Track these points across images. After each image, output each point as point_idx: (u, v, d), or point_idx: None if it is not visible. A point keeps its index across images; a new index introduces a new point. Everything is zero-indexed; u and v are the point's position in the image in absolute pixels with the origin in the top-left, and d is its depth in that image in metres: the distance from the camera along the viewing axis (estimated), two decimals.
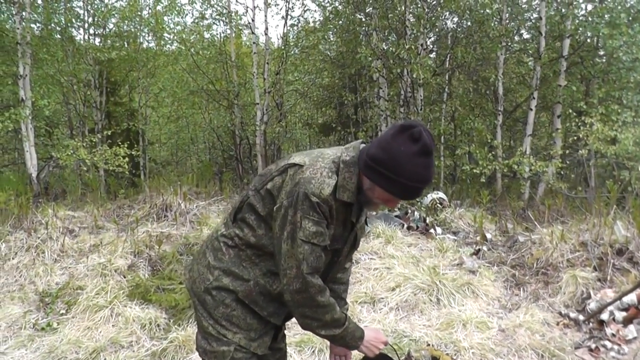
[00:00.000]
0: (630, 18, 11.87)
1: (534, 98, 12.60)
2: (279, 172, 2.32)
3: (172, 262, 7.05)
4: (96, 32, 16.79)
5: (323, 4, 16.33)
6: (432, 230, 8.67)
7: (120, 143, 12.78)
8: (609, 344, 4.91)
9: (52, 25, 14.61)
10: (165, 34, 18.05)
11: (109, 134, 14.91)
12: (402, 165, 2.14)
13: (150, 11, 17.43)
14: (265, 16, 17.04)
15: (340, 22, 15.15)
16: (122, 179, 14.03)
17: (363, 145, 2.38)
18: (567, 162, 11.92)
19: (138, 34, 17.18)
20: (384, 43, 12.17)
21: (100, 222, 8.73)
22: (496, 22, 13.46)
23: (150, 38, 18.20)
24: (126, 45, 16.64)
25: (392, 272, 6.62)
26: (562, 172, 11.94)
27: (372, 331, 2.54)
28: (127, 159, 12.39)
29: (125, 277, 6.56)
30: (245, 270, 2.40)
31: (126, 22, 16.98)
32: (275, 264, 2.34)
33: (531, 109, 12.66)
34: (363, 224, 2.63)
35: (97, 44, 16.42)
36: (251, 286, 2.40)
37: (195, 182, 12.12)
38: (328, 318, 2.31)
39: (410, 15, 13.21)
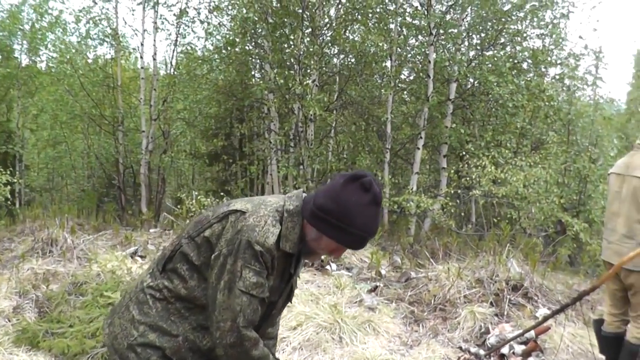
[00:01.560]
0: (512, 67, 12.61)
1: (421, 137, 13.02)
2: (218, 219, 2.19)
3: (60, 303, 6.50)
4: None
5: (214, 33, 16.17)
6: (327, 267, 8.62)
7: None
8: None
9: None
10: (47, 52, 17.21)
11: None
12: (353, 216, 2.08)
13: (32, 26, 16.54)
14: (154, 40, 16.71)
15: (237, 49, 14.96)
16: (1, 209, 13.01)
17: (305, 194, 2.31)
18: (457, 201, 12.35)
19: (17, 49, 16.24)
20: (281, 77, 12.11)
21: None
22: (387, 64, 13.84)
23: (28, 54, 17.26)
24: (9, 61, 15.64)
25: (292, 310, 6.47)
26: (446, 210, 12.34)
27: None
28: (9, 187, 11.51)
29: (10, 321, 5.98)
30: (173, 324, 2.22)
31: (4, 34, 15.99)
32: (207, 317, 2.19)
33: (418, 148, 13.08)
34: (296, 277, 2.52)
35: None
36: (180, 342, 2.22)
37: (76, 213, 11.48)
38: None
39: (303, 51, 13.35)
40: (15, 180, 12.68)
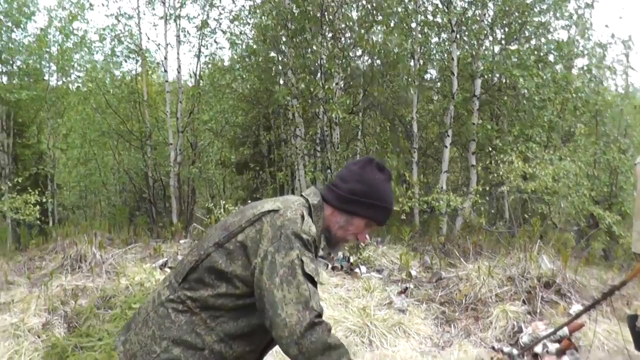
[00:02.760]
0: (537, 60, 12.39)
1: (448, 136, 12.87)
2: (251, 222, 2.15)
3: (89, 318, 6.53)
4: (3, 70, 15.98)
5: (236, 42, 16.24)
6: (357, 270, 8.57)
7: (29, 189, 11.99)
8: None
9: None
10: (75, 72, 17.46)
11: (19, 180, 14.10)
12: (381, 192, 2.30)
13: (58, 48, 16.81)
14: (178, 54, 16.83)
15: (259, 59, 15.06)
16: (32, 228, 13.19)
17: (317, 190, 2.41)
18: (487, 198, 12.18)
19: (45, 71, 16.48)
20: (302, 82, 12.12)
21: (10, 277, 8.12)
22: (408, 62, 13.74)
23: (58, 76, 17.54)
24: (37, 84, 15.88)
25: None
26: (476, 207, 12.18)
27: None
28: (37, 206, 11.64)
29: (40, 337, 6.03)
30: (198, 337, 2.13)
31: (34, 59, 16.27)
32: (265, 324, 2.06)
33: (446, 146, 12.93)
34: None
35: (4, 82, 15.64)
36: (206, 355, 2.13)
37: (107, 228, 11.57)
38: None
39: (325, 54, 13.34)
40: (46, 200, 12.83)
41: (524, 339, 5.55)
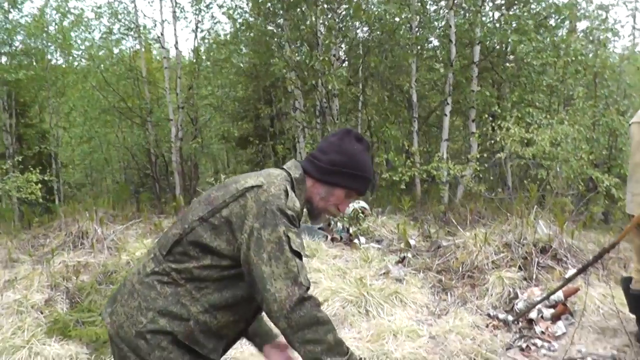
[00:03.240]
0: (537, 25, 12.22)
1: (447, 104, 12.79)
2: (234, 198, 2.15)
3: (91, 293, 6.59)
4: (2, 51, 15.95)
5: (233, 16, 16.12)
6: (356, 240, 8.57)
7: (32, 168, 12.05)
8: (539, 342, 4.92)
9: None
10: (74, 51, 17.42)
11: (20, 159, 14.12)
12: (360, 162, 2.32)
13: (56, 27, 16.75)
14: (175, 29, 16.96)
15: (252, 34, 15.00)
16: (36, 206, 13.26)
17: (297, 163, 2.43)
18: (485, 165, 12.11)
19: (46, 51, 16.44)
20: (297, 54, 12.03)
21: (14, 254, 8.19)
22: (407, 31, 13.59)
23: (58, 55, 17.52)
24: (34, 64, 15.86)
25: (319, 286, 6.44)
26: (479, 175, 12.12)
27: None
28: (39, 185, 11.68)
29: (42, 313, 6.08)
30: (184, 308, 2.16)
31: (33, 39, 16.23)
32: (255, 298, 2.12)
33: (446, 115, 12.86)
34: None
35: (4, 63, 15.62)
36: (191, 325, 2.16)
37: (111, 205, 11.61)
38: (331, 339, 2.06)
39: (322, 26, 13.21)
40: (49, 178, 12.86)
41: (519, 305, 5.54)
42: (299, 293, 2.01)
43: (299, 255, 2.06)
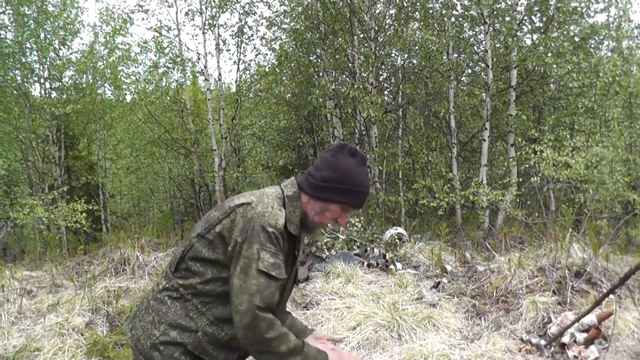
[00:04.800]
0: (575, 46, 12.12)
1: (486, 129, 12.75)
2: (226, 214, 2.31)
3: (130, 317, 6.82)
4: (52, 86, 16.60)
5: (274, 47, 16.47)
6: (392, 266, 8.59)
7: (79, 198, 12.48)
8: None
9: (7, 82, 14.41)
10: (121, 85, 18.00)
11: (66, 189, 14.61)
12: (353, 176, 2.37)
13: (104, 62, 17.35)
14: (218, 62, 17.17)
15: (292, 64, 15.29)
16: (81, 235, 13.68)
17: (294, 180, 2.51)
18: (523, 190, 12.00)
19: (94, 85, 17.03)
20: (333, 83, 12.21)
21: (58, 280, 8.47)
22: (444, 57, 13.66)
23: (108, 89, 18.13)
24: (84, 98, 16.43)
25: (352, 311, 6.50)
26: (519, 200, 12.01)
27: (337, 353, 2.47)
28: (85, 214, 12.07)
29: (83, 335, 6.31)
30: (192, 321, 2.33)
31: (82, 74, 16.86)
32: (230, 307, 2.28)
33: (484, 140, 12.81)
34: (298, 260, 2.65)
35: (54, 98, 16.22)
36: (200, 337, 2.32)
37: (155, 234, 11.90)
38: (284, 349, 2.23)
39: (359, 55, 13.40)
40: (94, 208, 13.24)
41: (552, 329, 5.49)
42: (255, 312, 2.16)
43: (266, 274, 2.18)
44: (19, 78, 15.13)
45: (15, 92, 14.76)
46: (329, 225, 2.53)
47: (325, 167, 2.39)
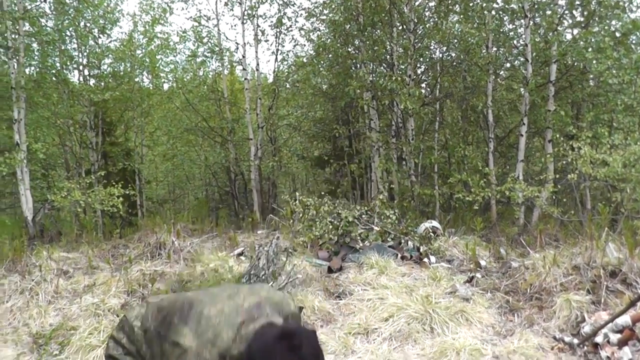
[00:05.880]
0: (616, 42, 11.92)
1: (524, 124, 12.65)
2: (173, 344, 2.15)
3: None
4: (91, 74, 16.95)
5: (312, 38, 16.55)
6: (426, 260, 8.63)
7: (115, 183, 12.76)
8: None
9: (47, 68, 14.73)
10: (159, 73, 18.26)
11: (103, 174, 14.92)
12: None
13: (143, 51, 17.63)
14: (256, 52, 17.29)
15: (330, 55, 15.35)
16: (117, 219, 13.97)
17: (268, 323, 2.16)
18: (559, 186, 11.88)
19: (133, 73, 17.31)
20: (371, 75, 12.23)
21: (94, 262, 8.70)
22: (483, 51, 13.57)
23: (145, 77, 18.42)
24: (122, 85, 16.71)
25: (385, 302, 6.58)
26: (555, 197, 11.90)
27: None
28: (121, 198, 12.33)
29: (118, 316, 6.50)
30: None
31: (120, 62, 17.15)
32: None
33: (522, 135, 12.70)
34: None
35: (93, 85, 16.54)
36: None
37: (190, 220, 12.10)
38: None
39: (398, 47, 13.39)
40: (131, 193, 13.50)
41: (586, 329, 5.49)
42: None
43: None
44: (58, 65, 15.45)
45: (54, 78, 15.05)
46: None
47: (260, 350, 2.01)
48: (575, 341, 5.36)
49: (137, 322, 2.38)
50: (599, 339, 5.22)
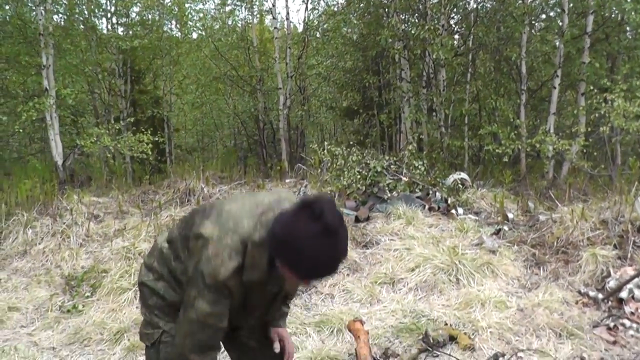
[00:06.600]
0: None
1: (557, 76, 12.42)
2: (195, 237, 2.20)
3: None
4: (119, 21, 16.98)
5: None
6: (453, 211, 8.65)
7: (144, 130, 12.89)
8: (627, 322, 4.89)
9: (75, 15, 14.76)
10: (188, 22, 18.20)
11: (133, 121, 15.07)
12: (302, 247, 1.96)
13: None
14: (286, 0, 17.12)
15: (362, 4, 15.12)
16: (147, 166, 14.17)
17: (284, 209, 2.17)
18: (590, 140, 11.73)
19: (161, 22, 17.29)
20: (403, 24, 12.05)
21: (124, 207, 8.88)
22: (519, 1, 13.28)
23: (174, 26, 18.37)
24: (150, 34, 16.71)
25: (411, 252, 6.65)
26: (585, 151, 11.76)
27: None
28: (150, 145, 12.46)
29: None
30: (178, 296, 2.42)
31: (149, 10, 17.11)
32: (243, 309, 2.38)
33: (555, 87, 12.49)
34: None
35: (121, 33, 16.56)
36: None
37: (219, 168, 12.23)
38: None
39: None
40: (160, 139, 13.65)
41: (611, 284, 5.52)
42: (185, 353, 2.24)
43: (199, 322, 2.19)
44: (86, 12, 15.48)
45: (82, 25, 15.10)
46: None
47: (282, 224, 2.03)
48: (600, 296, 5.40)
49: (164, 244, 2.48)
50: (623, 294, 5.24)
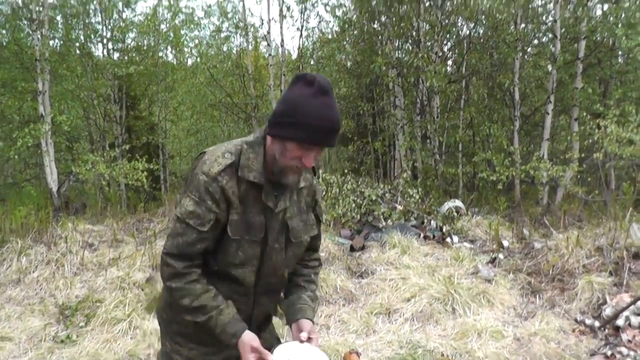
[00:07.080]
0: None
1: (550, 102, 12.51)
2: (196, 159, 2.27)
3: None
4: (115, 47, 17.07)
5: (337, 14, 16.46)
6: (448, 239, 8.64)
7: (139, 157, 12.88)
8: (624, 351, 4.86)
9: (71, 41, 14.85)
10: (184, 48, 18.32)
11: (127, 148, 15.06)
12: (302, 107, 2.05)
13: (167, 25, 17.68)
14: (281, 28, 17.31)
15: (355, 31, 15.27)
16: (142, 193, 14.13)
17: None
18: (584, 165, 11.77)
19: (157, 48, 17.38)
20: (397, 52, 12.16)
21: (119, 235, 8.82)
22: (512, 27, 13.42)
23: (169, 52, 18.48)
24: (146, 60, 16.78)
25: (407, 282, 6.63)
26: (579, 176, 11.80)
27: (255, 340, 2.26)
28: (145, 172, 12.45)
29: (143, 290, 6.62)
30: None
31: (145, 36, 17.22)
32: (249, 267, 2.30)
33: (548, 113, 12.57)
34: (296, 213, 2.41)
35: (116, 58, 16.64)
36: None
37: None
38: (186, 302, 2.22)
39: (425, 23, 13.28)
40: (155, 167, 13.63)
41: (607, 311, 5.50)
42: (163, 255, 2.19)
43: (182, 221, 2.15)
44: (82, 38, 15.58)
45: (78, 51, 15.17)
46: (298, 166, 2.19)
47: (280, 101, 2.17)
48: (597, 324, 5.38)
49: None
50: (620, 321, 5.23)
